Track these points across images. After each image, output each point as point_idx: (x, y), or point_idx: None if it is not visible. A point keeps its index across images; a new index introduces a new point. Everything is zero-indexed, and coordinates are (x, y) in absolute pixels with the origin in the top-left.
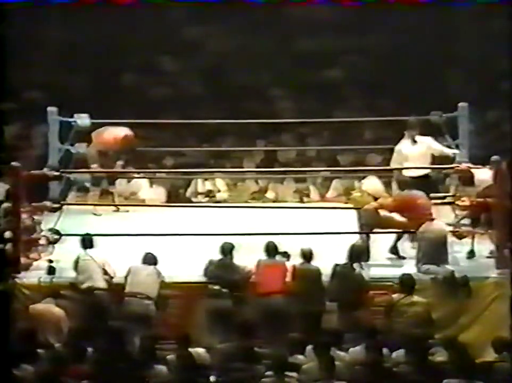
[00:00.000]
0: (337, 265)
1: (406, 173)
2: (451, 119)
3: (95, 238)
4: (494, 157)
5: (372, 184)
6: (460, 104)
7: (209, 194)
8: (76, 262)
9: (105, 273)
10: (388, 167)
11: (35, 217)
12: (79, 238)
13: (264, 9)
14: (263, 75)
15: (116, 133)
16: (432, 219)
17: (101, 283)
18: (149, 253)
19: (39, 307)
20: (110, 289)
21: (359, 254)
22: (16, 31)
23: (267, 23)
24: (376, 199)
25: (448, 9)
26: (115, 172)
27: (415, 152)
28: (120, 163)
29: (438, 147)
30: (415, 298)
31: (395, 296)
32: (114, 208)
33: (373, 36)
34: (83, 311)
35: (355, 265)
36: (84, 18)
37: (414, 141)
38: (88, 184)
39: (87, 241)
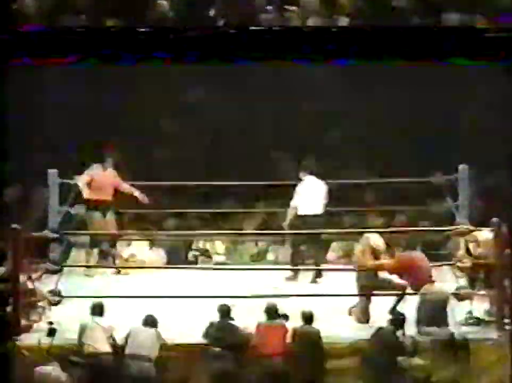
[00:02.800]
0: (380, 328)
1: (300, 211)
2: (451, 181)
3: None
4: (494, 219)
5: (374, 238)
6: (461, 166)
7: (205, 253)
8: (83, 329)
9: (112, 339)
10: (387, 230)
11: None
12: (87, 303)
13: (264, 72)
14: (263, 137)
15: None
16: (433, 282)
17: (107, 348)
18: (150, 315)
19: (43, 370)
20: (115, 353)
21: (401, 321)
22: (17, 94)
23: (268, 85)
24: (375, 257)
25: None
26: (116, 234)
27: (310, 190)
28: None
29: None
30: (416, 360)
31: None
32: (113, 270)
33: (373, 98)
34: (86, 375)
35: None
36: (83, 81)
37: (306, 180)
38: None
39: (96, 309)
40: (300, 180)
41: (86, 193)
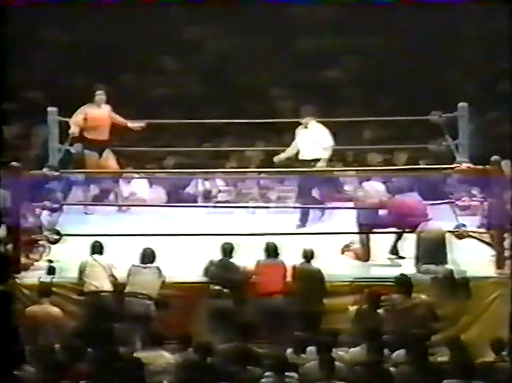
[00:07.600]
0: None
1: (300, 156)
2: (450, 120)
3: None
4: (494, 157)
5: (373, 186)
6: (460, 104)
7: (208, 195)
8: (83, 268)
9: (112, 276)
10: (389, 167)
11: (35, 217)
12: (86, 241)
13: (264, 9)
14: (263, 75)
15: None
16: (428, 220)
17: (107, 286)
18: (148, 248)
19: (36, 308)
20: (115, 291)
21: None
22: (16, 31)
23: (267, 23)
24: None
25: (448, 9)
26: (116, 172)
27: (303, 137)
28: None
29: (322, 138)
30: (419, 297)
31: (396, 296)
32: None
33: (372, 36)
34: (86, 312)
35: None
36: (84, 18)
37: (306, 127)
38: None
39: (96, 247)
40: (301, 124)
41: (77, 132)
